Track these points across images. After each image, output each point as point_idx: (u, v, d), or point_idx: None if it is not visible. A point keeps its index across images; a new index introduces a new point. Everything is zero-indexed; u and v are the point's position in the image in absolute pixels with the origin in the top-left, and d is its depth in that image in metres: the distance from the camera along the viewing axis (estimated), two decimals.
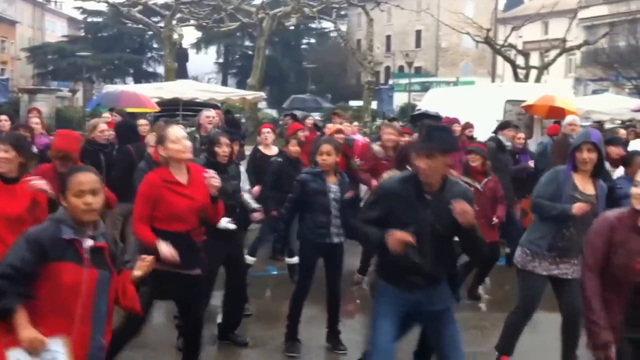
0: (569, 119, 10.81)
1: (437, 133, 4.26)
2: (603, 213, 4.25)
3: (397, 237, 4.11)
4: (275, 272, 9.21)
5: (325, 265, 6.44)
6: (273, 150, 9.17)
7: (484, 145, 8.96)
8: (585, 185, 5.41)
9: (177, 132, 5.03)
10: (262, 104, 39.28)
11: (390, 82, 52.49)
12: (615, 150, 7.94)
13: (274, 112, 42.09)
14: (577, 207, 5.29)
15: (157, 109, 15.77)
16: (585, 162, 5.33)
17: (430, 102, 17.39)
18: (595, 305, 3.91)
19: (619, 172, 7.55)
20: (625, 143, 9.20)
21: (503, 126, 10.68)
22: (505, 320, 5.87)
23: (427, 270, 4.27)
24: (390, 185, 4.36)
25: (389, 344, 4.36)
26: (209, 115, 9.59)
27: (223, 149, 6.06)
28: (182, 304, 5.34)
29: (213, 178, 5.16)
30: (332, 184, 6.22)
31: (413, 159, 4.31)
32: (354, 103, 43.07)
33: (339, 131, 9.34)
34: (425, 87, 37.19)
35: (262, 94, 24.46)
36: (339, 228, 6.22)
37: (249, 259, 8.33)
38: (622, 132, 13.21)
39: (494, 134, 10.61)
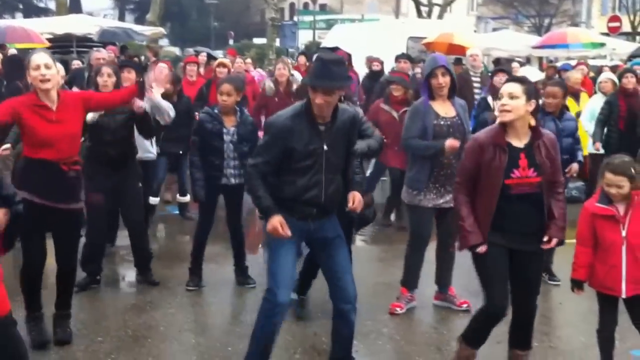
0: (470, 51, 10.97)
1: (332, 67, 4.15)
2: (475, 134, 4.54)
3: (275, 226, 4.17)
4: (177, 212, 9.02)
5: (225, 204, 6.47)
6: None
7: (407, 76, 9.24)
8: (445, 109, 5.59)
9: (38, 59, 4.74)
10: (164, 42, 38.18)
11: (295, 19, 51.82)
12: (497, 80, 8.13)
13: (176, 50, 41.02)
14: (449, 145, 5.42)
15: (47, 44, 15.05)
16: (441, 87, 5.51)
17: (334, 39, 17.29)
18: (464, 213, 4.31)
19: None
20: (510, 72, 9.51)
21: (397, 58, 11.29)
22: (404, 255, 5.95)
23: (322, 202, 4.29)
24: (282, 121, 4.23)
25: (289, 276, 4.37)
26: (99, 57, 9.18)
27: (104, 79, 5.98)
28: (55, 240, 5.10)
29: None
30: (231, 127, 6.13)
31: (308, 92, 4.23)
32: (258, 40, 42.44)
33: (222, 64, 9.25)
34: (330, 25, 36.82)
35: (162, 29, 23.63)
36: (236, 169, 6.16)
37: (153, 200, 8.43)
38: (516, 66, 13.57)
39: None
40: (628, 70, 9.41)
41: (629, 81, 8.84)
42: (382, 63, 12.53)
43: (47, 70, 4.69)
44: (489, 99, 8.16)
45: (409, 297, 5.89)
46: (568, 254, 7.45)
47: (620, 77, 9.15)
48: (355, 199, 4.32)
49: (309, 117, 4.19)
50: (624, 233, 4.31)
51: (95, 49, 10.90)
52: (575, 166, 6.48)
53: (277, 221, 4.18)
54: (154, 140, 7.29)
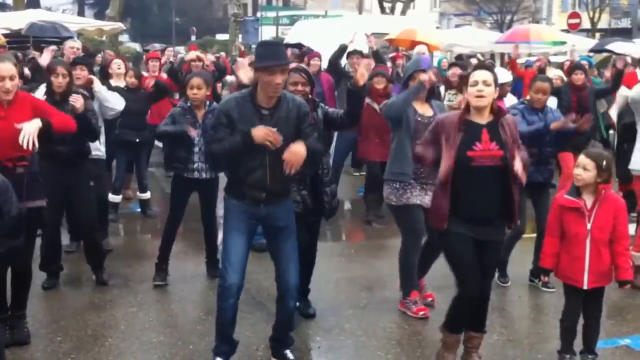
0: (417, 48, 11.21)
1: (270, 48, 4.39)
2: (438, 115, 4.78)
3: (262, 133, 4.22)
4: (138, 210, 8.95)
5: (199, 199, 6.53)
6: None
7: (387, 68, 9.56)
8: (423, 109, 5.67)
9: (4, 71, 4.64)
10: (124, 37, 37.81)
11: (258, 14, 51.61)
12: (452, 73, 8.26)
13: (137, 46, 40.63)
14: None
15: (3, 40, 14.78)
16: None
17: (297, 35, 17.27)
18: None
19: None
20: (465, 67, 9.71)
21: (349, 54, 11.43)
22: (398, 260, 5.83)
23: (267, 185, 4.40)
24: (228, 104, 4.41)
25: (240, 258, 4.48)
26: (74, 46, 9.05)
27: (58, 80, 5.88)
28: None
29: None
30: (201, 120, 6.26)
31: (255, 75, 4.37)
32: (220, 37, 42.21)
33: (198, 59, 9.21)
34: (293, 21, 36.76)
35: (121, 24, 23.34)
36: (205, 163, 6.22)
37: (115, 198, 8.44)
38: (474, 61, 13.72)
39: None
40: (577, 67, 9.74)
41: (579, 77, 9.24)
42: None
43: (10, 82, 4.65)
44: (442, 88, 8.34)
45: (417, 297, 5.80)
46: (525, 250, 7.60)
47: (570, 74, 9.47)
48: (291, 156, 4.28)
49: (253, 102, 4.34)
50: (589, 226, 4.46)
51: (70, 39, 10.71)
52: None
53: (260, 129, 4.23)
54: (102, 139, 7.22)
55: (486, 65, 4.90)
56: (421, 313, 5.62)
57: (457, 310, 4.62)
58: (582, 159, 4.49)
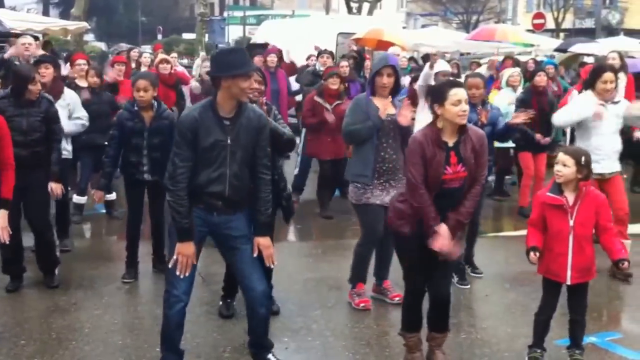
0: (391, 49, 11.35)
1: (239, 54, 4.38)
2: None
3: (184, 254, 4.30)
4: (103, 211, 8.84)
5: (148, 197, 6.53)
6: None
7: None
8: (385, 107, 5.65)
9: None
10: (90, 37, 37.43)
11: (225, 14, 51.43)
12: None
13: (102, 45, 40.27)
14: (382, 111, 5.52)
15: None
16: (384, 87, 5.62)
17: (264, 35, 17.22)
18: (433, 212, 4.40)
19: None
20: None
21: (319, 54, 11.38)
22: (353, 252, 5.88)
23: (226, 196, 4.36)
24: (188, 116, 4.35)
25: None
26: (25, 42, 8.89)
27: (37, 87, 5.88)
28: None
29: None
30: (148, 122, 6.22)
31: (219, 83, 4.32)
32: (187, 36, 41.96)
33: (164, 61, 9.15)
34: (260, 20, 36.69)
35: (85, 24, 23.03)
36: (149, 165, 6.24)
37: (80, 199, 8.38)
38: (443, 61, 13.80)
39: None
40: (540, 70, 9.84)
41: (541, 79, 9.27)
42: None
43: None
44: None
45: (363, 290, 5.89)
46: (491, 250, 7.65)
47: (532, 76, 9.55)
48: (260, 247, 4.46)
49: (214, 112, 4.30)
50: (571, 222, 4.55)
51: (22, 36, 10.52)
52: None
53: (186, 250, 4.29)
54: (69, 138, 7.13)
55: (459, 82, 4.87)
56: (362, 305, 5.76)
57: (407, 308, 4.76)
58: (561, 155, 4.58)
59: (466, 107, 4.36)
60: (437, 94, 4.45)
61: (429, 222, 4.40)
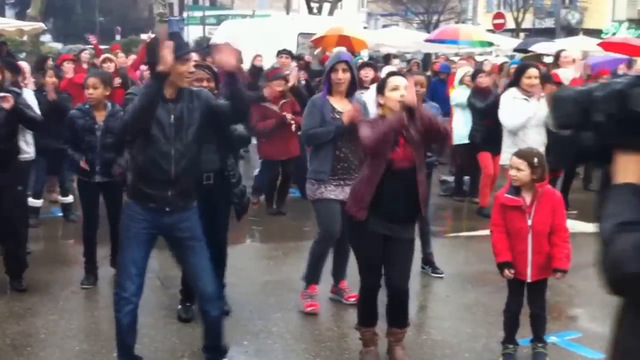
0: (336, 50, 11.52)
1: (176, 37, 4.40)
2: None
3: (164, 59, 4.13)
4: (60, 214, 8.68)
5: (104, 200, 6.42)
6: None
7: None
8: (342, 105, 5.65)
9: None
10: (47, 37, 36.84)
11: (185, 14, 51.06)
12: (363, 73, 8.34)
13: (59, 46, 39.64)
14: (346, 115, 5.47)
15: None
16: (340, 82, 5.60)
17: (224, 35, 17.15)
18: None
19: None
20: (376, 67, 9.76)
21: (278, 53, 11.54)
22: (309, 250, 5.84)
23: (172, 177, 4.31)
24: (135, 92, 4.41)
25: (139, 268, 4.40)
26: None
27: None
28: None
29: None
30: (101, 121, 6.14)
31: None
32: (146, 36, 41.50)
33: (107, 60, 9.08)
34: (220, 20, 36.50)
35: (42, 24, 22.69)
36: (101, 165, 6.15)
37: (35, 202, 8.23)
38: (396, 62, 13.93)
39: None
40: (480, 71, 10.14)
41: (483, 81, 9.52)
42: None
43: None
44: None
45: (315, 292, 5.85)
46: (451, 250, 7.69)
47: (473, 78, 9.76)
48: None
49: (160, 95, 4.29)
50: (529, 222, 4.66)
51: None
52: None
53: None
54: (30, 139, 7.00)
55: (400, 72, 5.12)
56: (309, 309, 5.72)
57: (363, 302, 4.84)
58: (514, 160, 4.68)
59: (404, 93, 4.50)
60: (379, 87, 4.71)
61: (388, 126, 4.49)
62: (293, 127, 8.50)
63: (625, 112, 1.76)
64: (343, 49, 11.87)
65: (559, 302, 5.99)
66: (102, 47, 16.86)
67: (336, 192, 5.62)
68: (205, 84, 5.12)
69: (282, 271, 6.83)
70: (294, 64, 11.00)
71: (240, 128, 5.26)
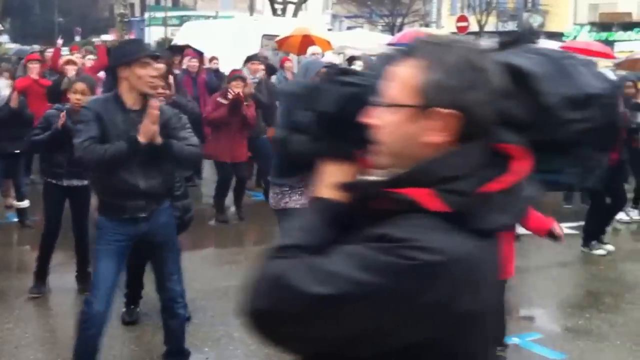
0: (310, 49, 11.27)
1: (134, 43, 4.51)
2: None
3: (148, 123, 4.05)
4: (15, 219, 8.49)
5: (70, 207, 6.22)
6: None
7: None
8: None
9: None
10: (4, 38, 36.29)
11: (147, 15, 50.66)
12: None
13: (16, 47, 39.06)
14: None
15: None
16: None
17: (186, 36, 16.95)
18: None
19: None
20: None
21: (248, 59, 11.09)
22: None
23: (142, 188, 4.22)
24: (95, 105, 4.25)
25: (108, 287, 4.26)
26: None
27: None
28: None
29: None
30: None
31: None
32: (107, 38, 41.06)
33: (70, 62, 8.96)
34: (183, 21, 36.24)
35: None
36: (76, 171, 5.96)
37: None
38: (359, 64, 13.95)
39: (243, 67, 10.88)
40: None
41: None
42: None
43: None
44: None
45: None
46: None
47: None
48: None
49: (120, 103, 4.19)
50: None
51: None
52: None
53: (146, 125, 4.03)
54: None
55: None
56: None
57: None
58: None
59: None
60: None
61: None
62: (250, 110, 8.59)
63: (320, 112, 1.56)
64: (318, 49, 11.68)
65: (520, 304, 6.00)
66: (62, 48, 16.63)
67: (301, 201, 5.57)
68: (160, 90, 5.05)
69: (244, 276, 6.74)
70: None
71: (193, 141, 4.63)
